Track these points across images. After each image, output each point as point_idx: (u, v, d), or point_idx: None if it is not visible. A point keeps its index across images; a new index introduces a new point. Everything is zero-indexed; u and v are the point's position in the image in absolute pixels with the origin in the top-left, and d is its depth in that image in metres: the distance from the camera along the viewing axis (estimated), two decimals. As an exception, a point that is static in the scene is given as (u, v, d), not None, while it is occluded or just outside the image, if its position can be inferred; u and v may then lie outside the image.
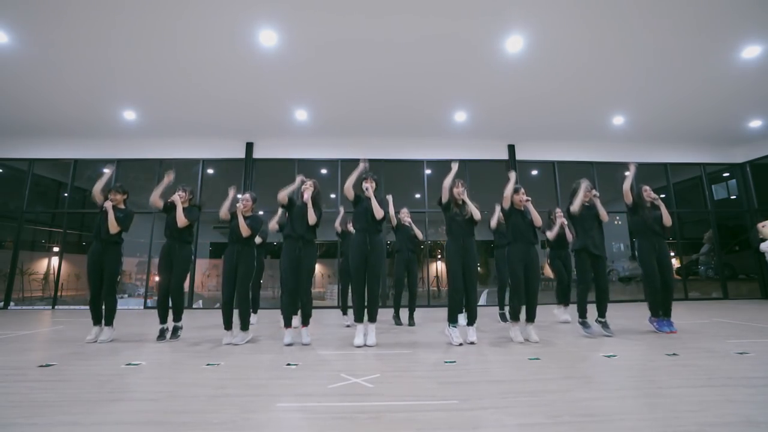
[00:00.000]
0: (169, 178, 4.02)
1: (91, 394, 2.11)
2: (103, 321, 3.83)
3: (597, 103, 7.01)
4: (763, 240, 4.99)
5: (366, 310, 3.57)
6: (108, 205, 3.87)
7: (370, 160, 8.29)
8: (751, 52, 5.36)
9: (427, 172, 8.63)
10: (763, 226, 4.95)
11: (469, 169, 8.58)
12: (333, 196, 8.35)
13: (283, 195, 3.68)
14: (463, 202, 3.71)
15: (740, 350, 3.05)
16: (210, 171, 8.70)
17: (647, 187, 4.30)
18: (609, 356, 2.95)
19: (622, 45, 5.24)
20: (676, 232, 9.18)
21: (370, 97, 6.70)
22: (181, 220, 3.87)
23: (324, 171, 8.84)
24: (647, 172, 9.03)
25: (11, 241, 8.20)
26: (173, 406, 1.94)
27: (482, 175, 8.88)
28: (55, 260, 8.40)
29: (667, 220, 4.13)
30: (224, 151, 8.37)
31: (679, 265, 9.39)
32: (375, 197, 3.67)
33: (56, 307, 7.82)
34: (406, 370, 2.65)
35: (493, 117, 7.53)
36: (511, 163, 8.57)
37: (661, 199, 4.28)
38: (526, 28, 4.92)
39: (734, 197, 9.63)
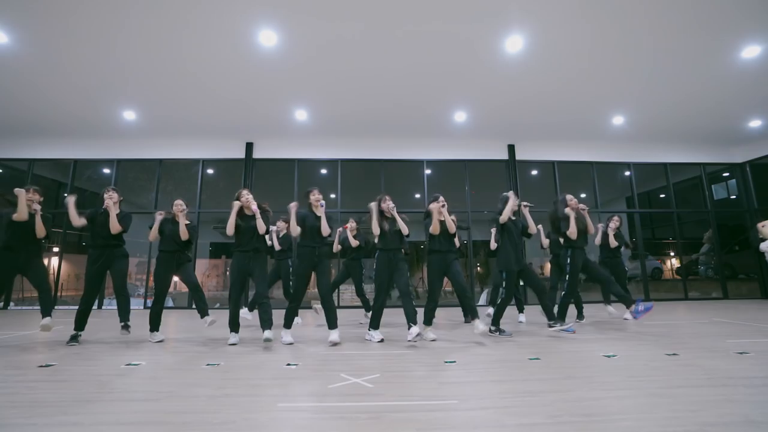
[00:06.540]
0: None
1: (91, 394, 2.11)
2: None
3: (597, 103, 7.01)
4: (763, 240, 4.98)
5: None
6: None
7: (371, 160, 8.43)
8: (751, 52, 5.35)
9: (427, 172, 8.62)
10: (763, 226, 4.94)
11: (469, 169, 8.59)
12: (333, 196, 8.35)
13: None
14: (392, 216, 3.90)
15: (740, 350, 3.06)
16: (210, 171, 8.70)
17: (571, 197, 4.30)
18: (609, 356, 2.95)
19: (622, 45, 5.23)
20: (676, 232, 9.18)
21: (370, 97, 6.70)
22: (115, 227, 3.80)
23: (324, 171, 8.83)
24: (647, 172, 9.05)
25: (11, 241, 8.17)
26: (173, 406, 1.94)
27: (482, 175, 8.88)
28: (55, 260, 8.38)
29: (591, 229, 4.34)
30: (224, 151, 8.36)
31: (679, 265, 9.39)
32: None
33: (56, 307, 7.81)
34: (406, 370, 2.65)
35: (493, 117, 7.52)
36: (511, 163, 8.57)
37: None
38: (526, 28, 4.91)
39: (734, 197, 9.63)
